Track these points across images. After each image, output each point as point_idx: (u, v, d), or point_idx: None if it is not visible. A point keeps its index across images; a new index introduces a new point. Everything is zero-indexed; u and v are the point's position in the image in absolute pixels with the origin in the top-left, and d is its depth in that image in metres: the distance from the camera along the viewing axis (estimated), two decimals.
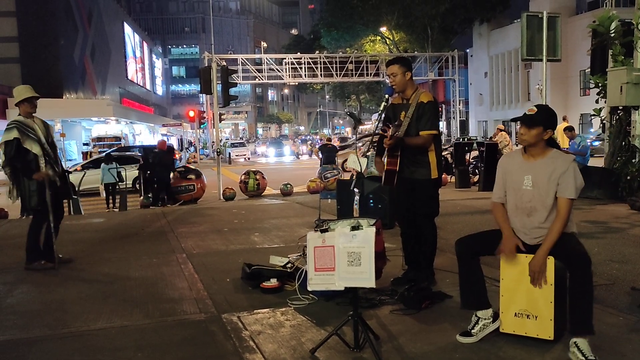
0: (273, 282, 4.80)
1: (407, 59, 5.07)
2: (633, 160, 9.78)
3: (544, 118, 3.36)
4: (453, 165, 15.08)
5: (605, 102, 10.47)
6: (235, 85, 15.38)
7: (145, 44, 60.30)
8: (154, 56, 66.44)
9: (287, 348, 3.52)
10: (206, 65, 17.85)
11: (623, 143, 10.30)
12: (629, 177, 9.57)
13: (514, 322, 3.45)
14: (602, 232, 7.11)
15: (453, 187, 13.79)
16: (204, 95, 24.89)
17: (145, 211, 11.83)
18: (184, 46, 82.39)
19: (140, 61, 57.45)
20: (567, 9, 36.48)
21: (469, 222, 8.03)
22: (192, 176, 13.01)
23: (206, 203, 12.61)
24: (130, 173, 16.46)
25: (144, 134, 46.63)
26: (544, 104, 3.60)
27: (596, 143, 22.67)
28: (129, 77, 51.64)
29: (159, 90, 69.47)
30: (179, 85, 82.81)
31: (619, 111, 10.40)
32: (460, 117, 38.38)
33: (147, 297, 4.79)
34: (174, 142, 51.39)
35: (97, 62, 40.95)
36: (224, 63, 20.33)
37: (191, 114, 31.53)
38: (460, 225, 7.79)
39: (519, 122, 3.40)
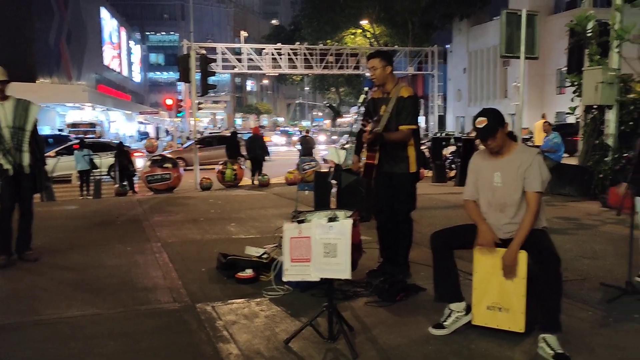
0: (248, 272, 4.79)
1: (388, 52, 5.07)
2: (606, 159, 9.95)
3: (495, 121, 3.40)
4: (430, 160, 15.19)
5: (580, 100, 10.62)
6: (214, 74, 15.26)
7: (122, 30, 59.26)
8: (131, 42, 65.32)
9: (261, 338, 3.51)
10: (185, 53, 17.61)
11: (597, 141, 10.47)
12: (601, 175, 9.74)
13: (486, 315, 3.50)
14: (574, 229, 7.24)
15: (430, 181, 13.89)
16: (182, 83, 24.56)
17: (120, 199, 11.69)
18: (163, 33, 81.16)
19: (118, 47, 56.45)
20: (545, 7, 36.88)
21: (445, 217, 8.10)
22: (169, 165, 12.87)
23: (182, 192, 12.50)
24: (106, 160, 16.24)
25: (120, 121, 45.99)
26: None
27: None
28: (106, 63, 50.74)
29: (137, 77, 68.40)
30: (157, 72, 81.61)
31: (593, 110, 10.56)
32: (438, 113, 38.60)
33: (120, 285, 4.74)
34: (150, 130, 50.79)
35: (73, 47, 40.10)
36: (203, 51, 20.06)
37: (169, 102, 31.16)
38: (436, 219, 7.85)
39: (480, 137, 3.44)
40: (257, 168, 14.93)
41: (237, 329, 3.68)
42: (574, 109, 11.25)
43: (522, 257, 3.35)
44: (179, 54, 16.75)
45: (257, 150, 15.14)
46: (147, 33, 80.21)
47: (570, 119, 14.50)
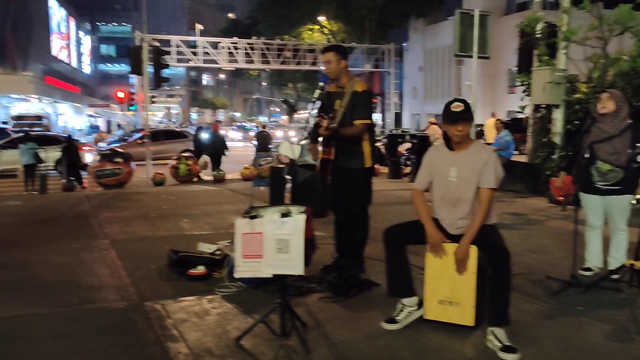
0: (200, 269, 4.70)
1: (342, 47, 5.06)
2: (553, 156, 10.27)
3: (469, 109, 3.46)
4: (386, 157, 15.32)
5: (529, 100, 10.92)
6: (167, 67, 14.91)
7: (72, 20, 57.33)
8: (81, 33, 63.29)
9: (212, 336, 3.44)
10: (137, 45, 17.18)
11: (544, 140, 10.79)
12: (548, 172, 10.04)
13: (437, 309, 3.54)
14: (522, 224, 7.43)
15: (385, 177, 14.01)
16: (134, 76, 23.97)
17: (67, 195, 11.31)
18: (114, 24, 78.94)
19: (67, 37, 54.57)
20: (497, 9, 37.78)
21: (400, 212, 8.17)
22: (120, 159, 12.52)
23: (134, 188, 12.19)
24: (53, 154, 15.68)
25: (69, 114, 44.53)
26: (459, 97, 3.66)
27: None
28: (54, 54, 49.00)
29: (86, 68, 66.33)
30: (109, 64, 79.31)
31: (541, 109, 10.88)
32: (394, 110, 39.02)
33: (65, 284, 4.57)
34: (101, 124, 49.36)
35: (19, 37, 38.50)
36: (157, 44, 19.63)
37: (120, 95, 30.34)
38: (391, 215, 7.92)
39: (454, 120, 3.41)
40: (216, 163, 14.79)
41: (187, 327, 3.60)
42: (523, 108, 11.56)
43: (472, 252, 3.40)
44: (131, 46, 16.30)
45: (217, 145, 15.04)
46: (98, 23, 77.88)
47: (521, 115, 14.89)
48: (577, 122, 10.18)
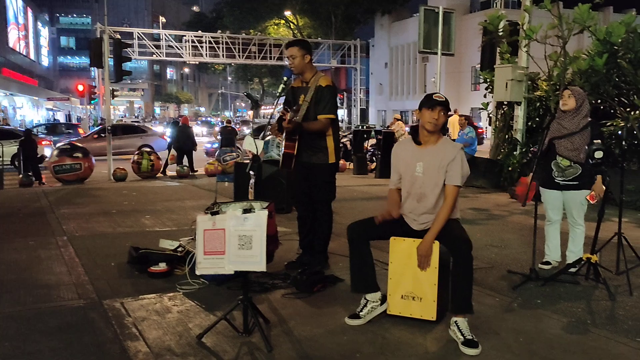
0: (162, 266, 4.61)
1: (306, 41, 5.03)
2: (515, 153, 10.46)
3: (448, 105, 3.49)
4: (352, 152, 15.36)
5: (492, 97, 11.09)
6: (129, 60, 14.61)
7: (29, 10, 55.61)
8: (39, 24, 61.43)
9: (173, 334, 3.38)
10: (98, 37, 16.76)
11: (507, 136, 10.98)
12: (510, 168, 10.23)
13: (400, 304, 3.55)
14: (484, 219, 7.55)
15: (351, 173, 14.06)
16: (95, 69, 23.37)
17: (24, 190, 10.96)
18: (74, 15, 76.87)
19: (24, 29, 52.92)
20: (461, 6, 38.30)
21: (365, 208, 8.21)
22: (79, 154, 12.18)
23: (94, 183, 11.89)
24: (9, 149, 15.19)
25: (26, 108, 43.20)
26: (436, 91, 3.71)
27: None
28: (11, 45, 47.45)
29: (45, 61, 64.50)
30: (68, 57, 77.24)
31: (504, 106, 11.07)
32: (360, 106, 39.23)
33: (19, 282, 4.42)
34: (61, 117, 48.06)
35: None
36: (118, 36, 19.19)
37: (80, 88, 29.53)
38: (356, 210, 7.94)
39: (435, 107, 3.40)
40: (181, 159, 14.65)
41: (147, 325, 3.52)
42: (486, 105, 11.74)
43: (435, 247, 3.42)
44: (92, 38, 15.88)
45: (184, 140, 14.85)
46: (56, 15, 75.73)
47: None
48: (537, 118, 10.41)
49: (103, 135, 19.35)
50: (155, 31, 34.01)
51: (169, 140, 16.21)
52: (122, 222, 7.04)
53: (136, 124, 28.13)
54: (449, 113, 3.73)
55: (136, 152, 13.80)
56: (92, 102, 30.15)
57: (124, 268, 4.83)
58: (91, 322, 3.57)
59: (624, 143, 5.51)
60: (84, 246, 5.65)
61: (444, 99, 3.45)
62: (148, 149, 14.38)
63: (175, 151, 14.82)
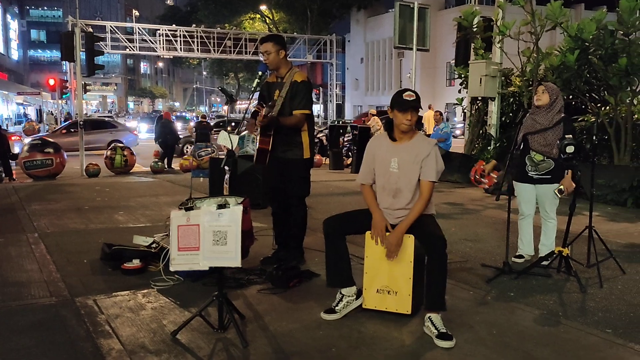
0: (135, 262, 4.55)
1: (281, 36, 5.00)
2: (489, 147, 10.60)
3: (420, 102, 3.50)
4: (328, 148, 15.38)
5: (467, 92, 11.21)
6: (102, 53, 14.36)
7: None
8: (8, 16, 59.92)
9: (147, 331, 3.34)
10: (69, 30, 16.43)
11: (481, 131, 11.12)
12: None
13: (375, 298, 3.57)
14: (459, 213, 7.63)
15: (327, 168, 14.07)
16: (67, 63, 22.93)
17: None
18: (45, 8, 75.13)
19: None
20: (437, 2, 38.54)
21: (341, 203, 8.23)
22: (50, 149, 11.95)
23: (66, 179, 11.68)
24: None
25: None
26: (410, 88, 3.73)
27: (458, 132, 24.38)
28: None
29: (15, 54, 62.96)
30: (39, 50, 75.53)
31: (478, 101, 11.20)
32: (336, 101, 39.23)
33: None
34: (32, 112, 47.07)
35: None
36: (90, 29, 18.85)
37: (51, 82, 28.92)
38: (331, 205, 7.96)
39: (408, 110, 3.41)
40: (166, 154, 14.57)
41: (120, 322, 3.47)
42: (461, 100, 11.86)
43: (409, 241, 3.44)
44: (63, 31, 15.57)
45: (167, 135, 14.78)
46: (27, 7, 73.96)
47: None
48: (511, 114, 10.56)
49: (72, 130, 19.04)
50: (128, 25, 33.50)
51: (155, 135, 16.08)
52: (95, 219, 6.93)
53: (106, 119, 27.63)
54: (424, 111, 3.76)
55: (109, 148, 13.59)
56: (63, 96, 29.52)
57: (96, 265, 4.76)
58: (63, 320, 3.51)
59: (594, 138, 5.61)
60: (55, 243, 5.55)
61: (415, 98, 3.44)
62: (121, 145, 14.18)
63: (159, 146, 14.74)
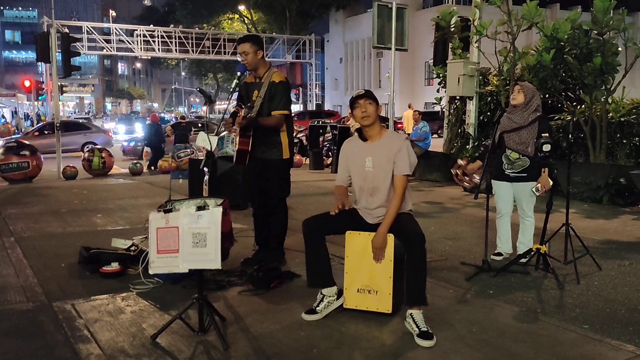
0: (114, 266, 4.50)
1: (258, 37, 4.99)
2: (467, 146, 10.69)
3: (372, 94, 3.58)
4: (307, 148, 15.35)
5: (445, 91, 11.29)
6: (78, 54, 14.16)
7: None
8: None
9: (126, 335, 3.30)
10: (45, 31, 16.17)
11: (459, 130, 11.21)
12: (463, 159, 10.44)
13: (356, 297, 3.58)
14: (438, 212, 7.69)
15: (307, 168, 14.06)
16: (43, 64, 22.57)
17: None
18: (20, 8, 73.91)
19: None
20: (415, 2, 38.78)
21: (321, 203, 8.23)
22: (26, 152, 11.74)
23: (43, 182, 11.49)
24: None
25: None
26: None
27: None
28: None
29: None
30: (14, 51, 74.30)
31: (456, 101, 11.29)
32: (316, 101, 39.26)
33: None
34: (7, 114, 46.22)
35: None
36: (66, 30, 18.59)
37: (27, 83, 28.47)
38: (312, 205, 7.96)
39: (356, 102, 3.54)
40: (155, 155, 14.60)
41: (99, 327, 3.43)
42: (439, 99, 11.94)
43: (389, 240, 3.46)
44: (38, 32, 15.33)
45: (153, 137, 14.90)
46: (1, 8, 72.68)
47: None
48: (489, 113, 10.67)
49: (46, 132, 18.74)
50: (105, 25, 33.10)
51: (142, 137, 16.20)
52: (73, 222, 6.84)
53: (80, 120, 27.19)
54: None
55: (87, 150, 13.41)
56: (39, 98, 29.09)
57: (74, 269, 4.69)
58: (40, 326, 3.46)
59: (570, 136, 5.70)
60: (32, 247, 5.46)
61: (363, 91, 3.58)
62: (99, 146, 14.01)
63: (148, 148, 14.82)
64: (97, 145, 16.01)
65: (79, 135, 19.80)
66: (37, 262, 4.90)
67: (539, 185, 4.62)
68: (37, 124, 27.30)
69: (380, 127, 3.60)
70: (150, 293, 4.06)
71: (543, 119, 4.81)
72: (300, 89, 44.82)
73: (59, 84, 13.90)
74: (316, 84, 38.03)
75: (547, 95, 9.36)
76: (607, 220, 7.03)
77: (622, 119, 8.65)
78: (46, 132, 18.84)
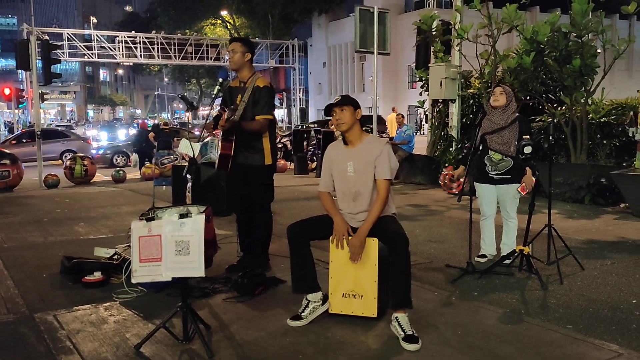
0: (97, 275, 4.45)
1: (250, 40, 4.99)
2: (450, 149, 10.75)
3: (350, 99, 3.59)
4: (292, 152, 15.34)
5: (428, 94, 11.36)
6: (59, 62, 14.00)
7: None
8: None
9: (109, 345, 3.26)
10: (25, 38, 15.99)
11: (442, 133, 11.28)
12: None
13: (341, 302, 3.57)
14: (423, 215, 7.71)
15: (292, 173, 14.04)
16: (23, 71, 22.31)
17: None
18: None
19: None
20: (396, 6, 38.98)
21: (306, 208, 8.22)
22: (7, 161, 11.58)
23: (24, 191, 11.34)
24: None
25: None
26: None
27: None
28: None
29: None
30: None
31: (439, 104, 11.35)
32: (300, 105, 39.28)
33: None
34: None
35: None
36: (47, 37, 18.38)
37: (7, 91, 28.10)
38: (297, 210, 7.94)
39: (328, 110, 3.58)
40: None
41: (82, 337, 3.38)
42: (422, 102, 12.00)
43: (373, 244, 3.46)
44: (18, 40, 15.13)
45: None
46: None
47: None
48: (471, 115, 10.74)
49: (24, 140, 18.51)
50: (86, 32, 32.87)
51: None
52: (55, 231, 6.75)
53: (59, 128, 26.87)
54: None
55: (68, 157, 13.26)
56: (20, 106, 28.71)
57: (56, 279, 4.63)
58: (22, 338, 3.40)
59: (551, 138, 5.76)
60: (13, 257, 5.38)
61: (340, 98, 3.59)
62: (81, 154, 13.86)
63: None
64: (75, 152, 15.84)
65: (58, 143, 19.58)
66: (18, 273, 4.83)
67: (524, 184, 4.66)
68: (16, 132, 26.95)
69: (361, 132, 3.61)
70: (133, 302, 4.02)
71: (523, 120, 4.86)
72: (284, 93, 44.80)
73: (40, 91, 13.74)
74: (300, 89, 38.07)
75: (528, 97, 9.45)
76: (589, 220, 7.11)
77: (602, 120, 8.77)
78: (24, 140, 18.61)
